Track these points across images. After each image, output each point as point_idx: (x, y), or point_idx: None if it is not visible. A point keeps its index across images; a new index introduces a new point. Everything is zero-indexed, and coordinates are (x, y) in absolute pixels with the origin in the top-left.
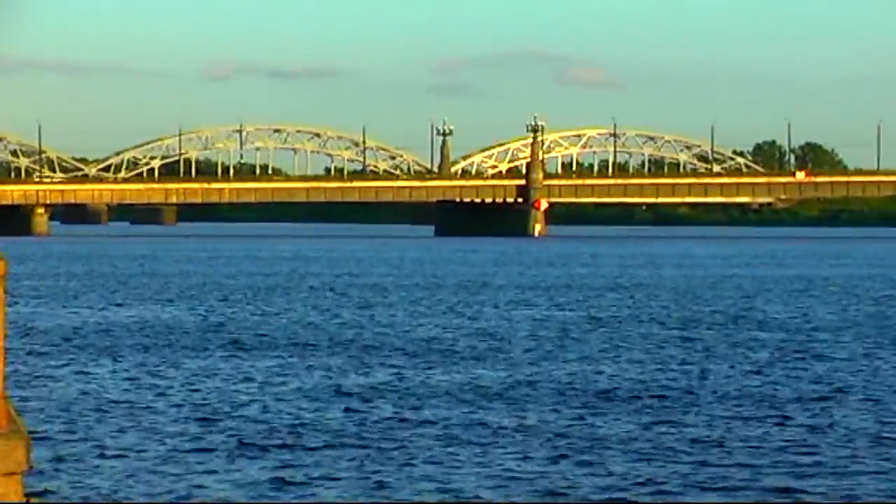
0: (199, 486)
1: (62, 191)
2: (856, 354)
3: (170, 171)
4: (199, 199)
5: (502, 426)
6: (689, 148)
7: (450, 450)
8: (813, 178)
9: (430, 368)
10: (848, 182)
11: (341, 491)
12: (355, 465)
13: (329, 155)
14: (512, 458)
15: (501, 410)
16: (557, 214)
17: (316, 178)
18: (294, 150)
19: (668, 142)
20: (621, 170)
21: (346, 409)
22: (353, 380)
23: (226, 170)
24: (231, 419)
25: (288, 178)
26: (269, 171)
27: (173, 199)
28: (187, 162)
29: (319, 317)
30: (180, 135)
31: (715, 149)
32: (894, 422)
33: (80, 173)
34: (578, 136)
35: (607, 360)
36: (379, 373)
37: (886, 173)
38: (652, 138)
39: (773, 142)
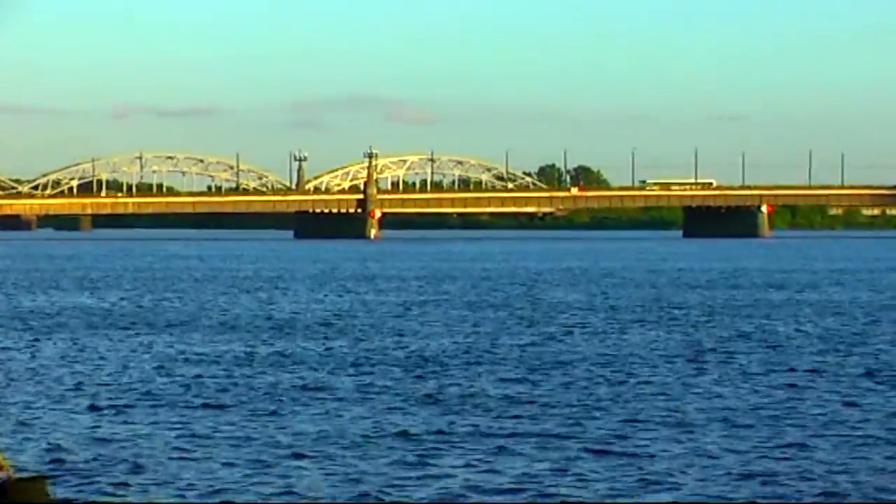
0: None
1: (0, 204)
2: (606, 328)
3: (86, 188)
4: (108, 211)
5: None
6: (489, 170)
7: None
8: (583, 193)
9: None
10: (610, 196)
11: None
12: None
13: (210, 176)
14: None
15: (317, 370)
16: (388, 221)
17: (200, 194)
18: (183, 172)
19: (473, 165)
20: (437, 187)
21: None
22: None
23: (129, 188)
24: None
25: (178, 194)
26: (164, 189)
27: (88, 211)
28: (99, 182)
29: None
30: (93, 161)
31: (509, 170)
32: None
33: (14, 191)
34: (403, 161)
35: (415, 332)
36: (256, 343)
37: (639, 188)
38: (460, 162)
39: (553, 164)
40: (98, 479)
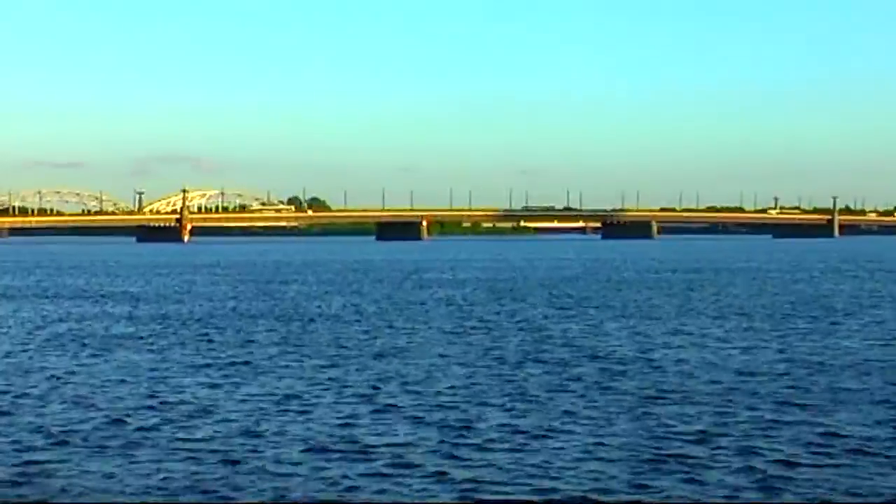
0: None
1: None
2: (315, 295)
3: (3, 212)
4: (19, 225)
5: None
6: (257, 199)
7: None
8: (315, 214)
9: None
10: (333, 215)
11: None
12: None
13: (84, 204)
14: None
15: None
16: (196, 231)
17: (77, 214)
18: (66, 201)
19: (247, 196)
20: (225, 210)
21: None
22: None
23: (33, 211)
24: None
25: (63, 215)
26: (55, 212)
27: (6, 226)
28: (14, 207)
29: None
30: (10, 195)
31: (270, 199)
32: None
33: None
34: (204, 194)
35: (190, 299)
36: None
37: (352, 210)
38: (240, 195)
39: (297, 196)
40: None
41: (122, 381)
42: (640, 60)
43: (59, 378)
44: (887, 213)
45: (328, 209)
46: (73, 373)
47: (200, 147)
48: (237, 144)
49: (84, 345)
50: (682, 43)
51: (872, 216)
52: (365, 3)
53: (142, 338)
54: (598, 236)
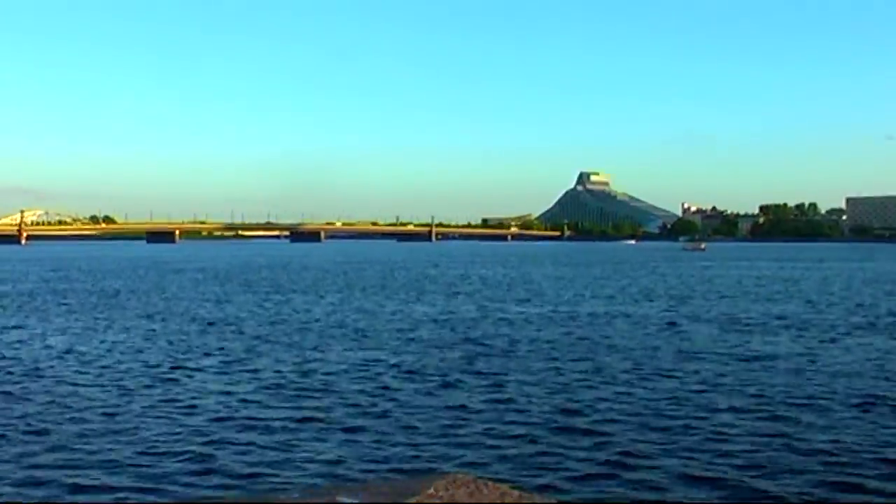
0: None
1: None
2: (153, 285)
3: None
4: None
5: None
6: (70, 216)
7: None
8: (107, 226)
9: None
10: (119, 226)
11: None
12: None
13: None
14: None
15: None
16: (32, 237)
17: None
18: None
19: (63, 214)
20: (52, 224)
21: None
22: None
23: None
24: None
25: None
26: None
27: None
28: None
29: None
30: None
31: (78, 216)
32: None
33: None
34: (35, 213)
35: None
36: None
37: (131, 223)
38: (59, 213)
39: (95, 214)
40: None
41: None
42: (292, 128)
43: None
44: (465, 226)
45: (115, 223)
46: None
47: (33, 181)
48: (57, 179)
49: None
50: (329, 116)
51: (456, 228)
52: (154, 64)
53: None
54: (288, 240)
